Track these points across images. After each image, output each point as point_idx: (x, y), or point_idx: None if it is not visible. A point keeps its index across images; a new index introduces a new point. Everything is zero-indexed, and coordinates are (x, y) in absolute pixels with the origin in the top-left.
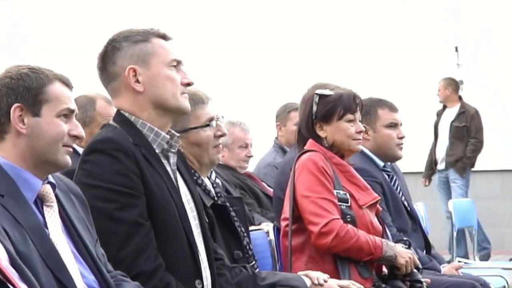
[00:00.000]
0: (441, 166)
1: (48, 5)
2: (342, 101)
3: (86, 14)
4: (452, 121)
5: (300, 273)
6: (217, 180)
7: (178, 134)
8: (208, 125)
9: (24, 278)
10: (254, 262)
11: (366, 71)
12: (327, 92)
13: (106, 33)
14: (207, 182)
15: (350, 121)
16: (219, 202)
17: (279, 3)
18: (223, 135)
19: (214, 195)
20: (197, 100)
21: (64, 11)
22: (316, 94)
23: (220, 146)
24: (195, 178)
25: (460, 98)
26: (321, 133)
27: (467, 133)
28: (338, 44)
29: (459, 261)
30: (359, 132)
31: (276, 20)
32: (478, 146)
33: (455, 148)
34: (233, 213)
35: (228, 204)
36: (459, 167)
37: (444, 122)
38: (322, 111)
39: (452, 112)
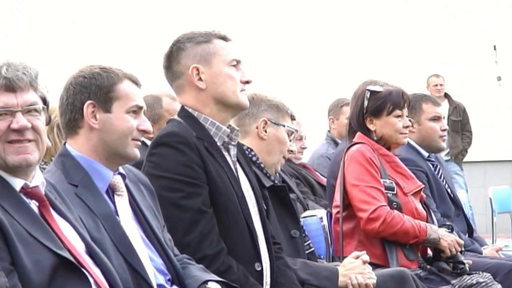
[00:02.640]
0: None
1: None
2: (391, 98)
3: (151, 16)
4: (449, 115)
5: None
6: None
7: (237, 128)
8: (292, 133)
9: (98, 262)
10: (309, 241)
11: (412, 68)
12: (377, 88)
13: (171, 35)
14: None
15: (398, 116)
16: (277, 183)
17: (332, 3)
18: (291, 152)
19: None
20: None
21: (131, 12)
22: (368, 90)
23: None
24: (257, 163)
25: (446, 94)
26: (371, 127)
27: (460, 126)
28: (386, 42)
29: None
30: (406, 127)
31: (329, 20)
32: (471, 139)
33: (456, 141)
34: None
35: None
36: (459, 159)
37: None
38: (373, 106)
39: (443, 106)
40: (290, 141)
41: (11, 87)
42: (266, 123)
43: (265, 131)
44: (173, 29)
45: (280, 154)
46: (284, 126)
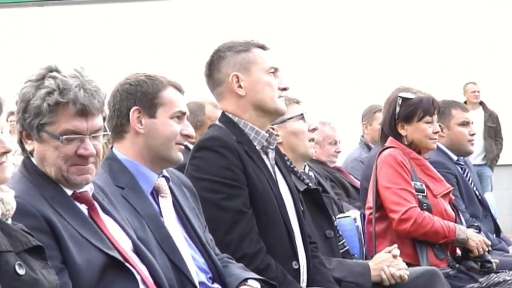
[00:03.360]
0: (475, 161)
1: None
2: (422, 105)
3: (193, 25)
4: (485, 122)
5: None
6: (310, 173)
7: (276, 133)
8: (302, 117)
9: (144, 260)
10: (343, 240)
11: (445, 75)
12: (409, 95)
13: (212, 44)
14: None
15: (428, 122)
16: (312, 186)
17: (366, 9)
18: (315, 129)
19: (309, 181)
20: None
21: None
22: (400, 97)
23: (314, 140)
24: (291, 167)
25: (481, 102)
26: (402, 132)
27: (494, 132)
28: (421, 50)
29: None
30: (436, 133)
31: (364, 28)
32: (502, 145)
33: (491, 146)
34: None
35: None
36: (494, 164)
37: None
38: (404, 113)
39: (478, 113)
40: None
41: (85, 113)
42: (273, 129)
43: (277, 136)
44: (214, 38)
45: (302, 142)
46: (288, 119)
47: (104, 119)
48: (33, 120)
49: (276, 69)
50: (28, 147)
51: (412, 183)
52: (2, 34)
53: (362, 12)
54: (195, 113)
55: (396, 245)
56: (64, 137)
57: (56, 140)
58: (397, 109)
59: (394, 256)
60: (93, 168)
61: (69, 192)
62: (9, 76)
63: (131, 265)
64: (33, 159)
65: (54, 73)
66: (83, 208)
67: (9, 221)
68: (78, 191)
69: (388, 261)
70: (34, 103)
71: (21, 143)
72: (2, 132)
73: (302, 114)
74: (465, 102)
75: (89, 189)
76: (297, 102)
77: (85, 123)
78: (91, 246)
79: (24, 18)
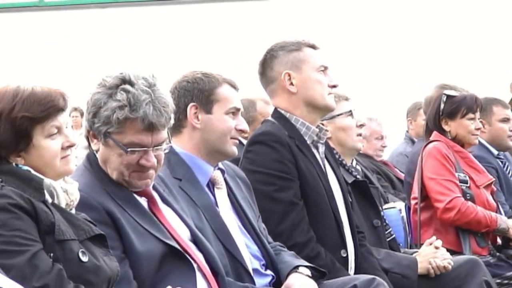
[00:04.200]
0: None
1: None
2: (465, 102)
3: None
4: None
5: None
6: (357, 167)
7: (326, 128)
8: (351, 113)
9: (201, 248)
10: (390, 229)
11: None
12: (453, 93)
13: (265, 44)
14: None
15: (471, 119)
16: (359, 178)
17: (411, 9)
18: (363, 125)
19: (356, 173)
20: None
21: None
22: (444, 94)
23: (361, 135)
24: (339, 161)
25: None
26: (446, 127)
27: None
28: (464, 47)
29: None
30: (478, 129)
31: (408, 26)
32: None
33: None
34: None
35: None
36: None
37: None
38: (448, 109)
39: None
40: (352, 116)
41: (151, 129)
42: (323, 124)
43: (327, 131)
44: (267, 39)
45: (350, 137)
46: (338, 115)
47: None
48: (101, 126)
49: (326, 67)
50: (94, 146)
51: (456, 174)
52: (65, 35)
53: (407, 12)
54: (247, 109)
55: (434, 237)
56: (129, 149)
57: (121, 150)
58: (442, 106)
59: (436, 248)
60: (153, 174)
61: None
62: (71, 73)
63: (189, 254)
64: (97, 155)
65: (127, 86)
66: (143, 201)
67: (73, 211)
68: None
69: (432, 253)
70: (105, 113)
71: (87, 139)
72: (67, 127)
73: (350, 110)
74: None
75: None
76: (346, 99)
77: (150, 138)
78: (151, 237)
79: (87, 19)
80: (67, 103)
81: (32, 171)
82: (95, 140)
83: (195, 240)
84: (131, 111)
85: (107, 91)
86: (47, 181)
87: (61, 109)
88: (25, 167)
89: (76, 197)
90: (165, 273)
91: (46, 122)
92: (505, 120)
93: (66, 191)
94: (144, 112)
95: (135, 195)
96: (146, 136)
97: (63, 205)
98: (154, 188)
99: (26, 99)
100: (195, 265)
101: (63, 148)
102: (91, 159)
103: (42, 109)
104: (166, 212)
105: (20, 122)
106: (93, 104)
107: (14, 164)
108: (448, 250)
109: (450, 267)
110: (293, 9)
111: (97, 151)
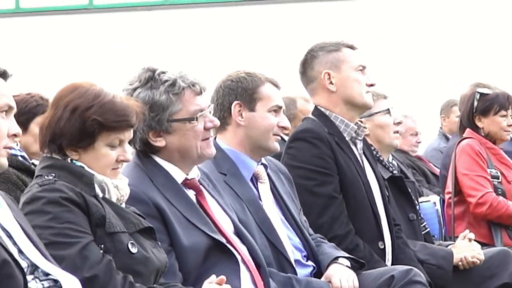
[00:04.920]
0: None
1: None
2: (498, 100)
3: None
4: None
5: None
6: (393, 162)
7: (364, 125)
8: (388, 111)
9: (244, 241)
10: (425, 223)
11: None
12: (486, 91)
13: (305, 45)
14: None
15: (503, 116)
16: (396, 174)
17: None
18: (400, 122)
19: (393, 169)
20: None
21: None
22: (478, 92)
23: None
24: (377, 157)
25: None
26: (479, 124)
27: None
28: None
29: None
30: (510, 125)
31: (441, 24)
32: None
33: None
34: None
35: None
36: None
37: None
38: (482, 107)
39: None
40: (389, 114)
41: (201, 91)
42: (361, 122)
43: (365, 128)
44: (306, 40)
45: (388, 134)
46: (376, 113)
47: None
48: (162, 115)
49: (364, 67)
50: (159, 144)
51: (488, 170)
52: (115, 37)
53: (442, 11)
54: (288, 107)
55: (467, 231)
56: (198, 115)
57: (188, 122)
58: (475, 103)
59: (470, 240)
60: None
61: (180, 179)
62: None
63: (233, 246)
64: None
65: (158, 71)
66: (191, 193)
67: (123, 205)
68: (188, 178)
69: (467, 247)
70: (160, 99)
71: (144, 144)
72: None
73: (388, 109)
74: None
75: (196, 176)
76: (384, 97)
77: (202, 100)
78: (197, 230)
79: (132, 22)
80: (138, 122)
81: (86, 167)
82: (158, 138)
83: (238, 233)
84: (183, 82)
85: (145, 86)
86: (98, 176)
87: (130, 126)
88: (79, 163)
89: (126, 192)
90: (210, 266)
91: (113, 132)
92: None
93: (117, 186)
94: (189, 80)
95: (184, 188)
96: (200, 99)
97: (114, 199)
98: (200, 182)
99: (104, 105)
100: (239, 258)
101: (117, 161)
102: (141, 155)
103: (115, 119)
104: (212, 205)
105: (90, 123)
106: (143, 104)
107: (69, 159)
108: (480, 243)
109: (478, 262)
110: (332, 10)
111: (158, 150)
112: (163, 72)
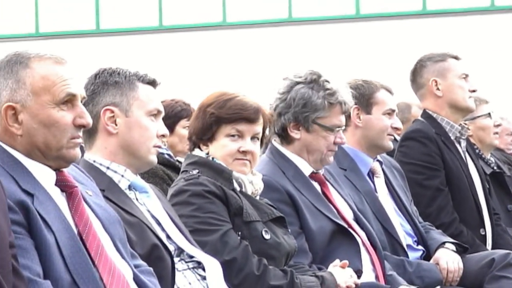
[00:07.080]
0: None
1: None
2: None
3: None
4: None
5: None
6: (491, 159)
7: (467, 126)
8: (489, 115)
9: (363, 227)
10: None
11: None
12: None
13: (417, 54)
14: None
15: None
16: (496, 170)
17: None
18: (499, 125)
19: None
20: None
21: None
22: None
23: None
24: (479, 154)
25: None
26: None
27: None
28: None
29: None
30: None
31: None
32: None
33: None
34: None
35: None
36: None
37: None
38: None
39: None
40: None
41: (345, 111)
42: (465, 123)
43: (468, 129)
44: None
45: (489, 136)
46: (478, 117)
47: None
48: (310, 114)
49: (467, 75)
50: (295, 135)
51: None
52: (178, 56)
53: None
54: (403, 110)
55: None
56: (336, 129)
57: (327, 131)
58: None
59: None
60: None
61: (307, 172)
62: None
63: (354, 231)
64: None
65: (323, 78)
66: (316, 185)
67: (257, 198)
68: (315, 171)
69: None
70: (316, 101)
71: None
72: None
73: (489, 112)
74: None
75: (321, 170)
76: (486, 102)
77: (343, 119)
78: (323, 216)
79: (203, 41)
80: (259, 118)
81: (223, 164)
82: (295, 131)
83: (357, 220)
84: (339, 96)
85: (308, 85)
86: (235, 173)
87: (245, 119)
88: (218, 161)
89: (260, 186)
90: (334, 247)
91: (229, 124)
92: None
93: (252, 182)
94: (343, 98)
95: (311, 180)
96: (342, 118)
97: (249, 193)
98: (324, 176)
99: (223, 101)
100: (359, 241)
101: (239, 151)
102: (272, 150)
103: (228, 112)
104: (334, 195)
105: (209, 117)
106: (300, 97)
107: (210, 157)
108: None
109: None
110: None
111: (291, 141)
112: (327, 81)
